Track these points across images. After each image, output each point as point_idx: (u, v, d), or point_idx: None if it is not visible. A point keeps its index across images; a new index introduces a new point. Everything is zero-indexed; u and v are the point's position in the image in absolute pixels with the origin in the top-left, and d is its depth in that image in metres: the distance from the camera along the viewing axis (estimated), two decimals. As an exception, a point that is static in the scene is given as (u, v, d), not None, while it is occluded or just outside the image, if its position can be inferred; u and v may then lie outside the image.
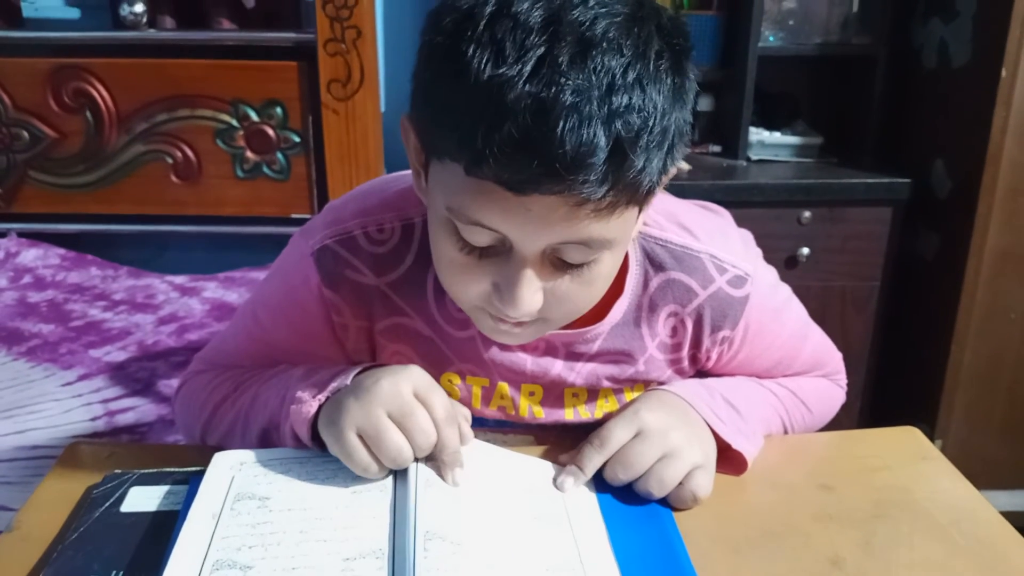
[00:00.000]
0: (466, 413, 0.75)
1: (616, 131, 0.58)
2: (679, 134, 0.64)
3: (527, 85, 0.57)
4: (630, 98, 0.59)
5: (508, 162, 0.58)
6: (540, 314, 0.70)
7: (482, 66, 0.58)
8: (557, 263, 0.67)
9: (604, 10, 0.59)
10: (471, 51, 0.58)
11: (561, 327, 0.78)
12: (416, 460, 0.71)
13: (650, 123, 0.60)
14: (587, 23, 0.59)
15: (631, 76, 0.59)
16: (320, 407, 0.74)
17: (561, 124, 0.57)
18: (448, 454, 0.71)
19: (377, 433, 0.69)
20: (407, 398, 0.70)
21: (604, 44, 0.58)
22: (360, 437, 0.69)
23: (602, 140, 0.58)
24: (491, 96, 0.57)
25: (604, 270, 0.70)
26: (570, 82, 0.57)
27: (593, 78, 0.57)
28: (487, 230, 0.64)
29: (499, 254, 0.67)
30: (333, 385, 0.74)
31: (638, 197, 0.64)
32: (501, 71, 0.57)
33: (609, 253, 0.68)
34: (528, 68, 0.57)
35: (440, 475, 0.71)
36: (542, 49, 0.57)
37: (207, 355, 0.94)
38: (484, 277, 0.68)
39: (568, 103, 0.57)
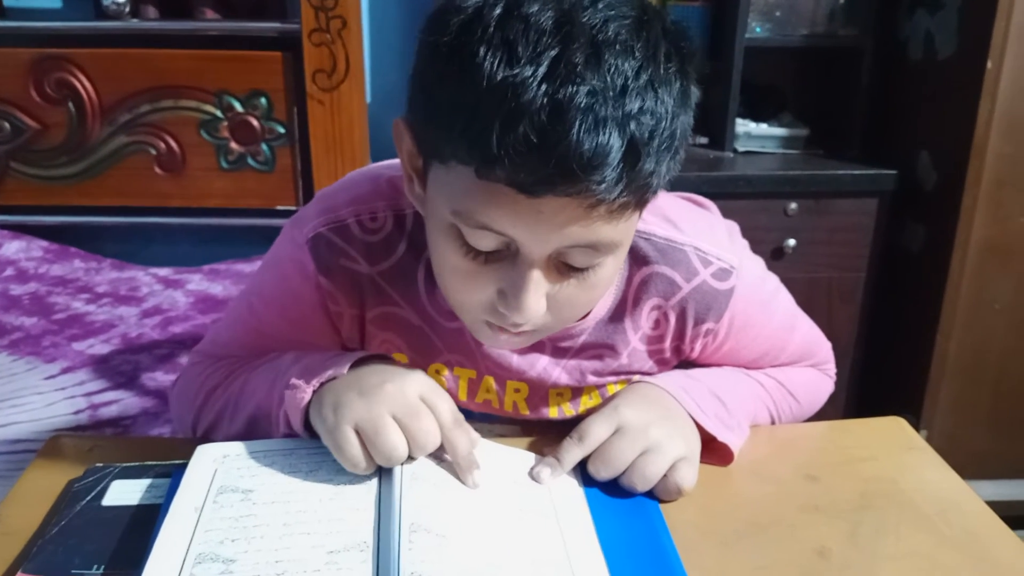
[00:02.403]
0: (471, 429, 0.74)
1: (630, 132, 0.58)
2: (683, 137, 0.64)
3: (542, 86, 0.56)
4: (643, 100, 0.59)
5: (523, 163, 0.58)
6: (542, 320, 0.70)
7: (494, 67, 0.57)
8: (562, 267, 0.67)
9: (613, 12, 0.59)
10: (482, 52, 0.58)
11: None
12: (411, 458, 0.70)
13: (662, 125, 0.60)
14: (598, 25, 0.58)
15: (643, 78, 0.59)
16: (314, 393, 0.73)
17: (577, 125, 0.56)
18: (462, 458, 0.70)
19: (376, 430, 0.67)
20: (412, 400, 0.69)
21: (617, 46, 0.58)
22: (357, 433, 0.68)
23: (617, 141, 0.58)
24: (505, 97, 0.57)
25: (607, 274, 0.69)
26: (585, 83, 0.57)
27: (607, 79, 0.57)
28: (495, 234, 0.63)
29: (504, 259, 0.66)
30: (329, 372, 0.73)
31: (646, 199, 0.65)
32: (515, 72, 0.57)
33: (612, 256, 0.68)
34: (542, 69, 0.57)
35: (458, 477, 0.71)
36: (556, 50, 0.57)
37: (203, 348, 0.93)
38: (489, 284, 0.68)
39: (583, 104, 0.56)
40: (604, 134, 0.57)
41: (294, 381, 0.73)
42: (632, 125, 0.58)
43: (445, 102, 0.61)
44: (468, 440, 0.71)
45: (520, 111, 0.57)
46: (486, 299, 0.69)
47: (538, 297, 0.66)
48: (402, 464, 0.69)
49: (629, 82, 0.58)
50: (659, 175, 0.62)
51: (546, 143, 0.57)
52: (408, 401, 0.69)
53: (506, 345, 0.75)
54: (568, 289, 0.68)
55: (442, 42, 0.61)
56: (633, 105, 0.58)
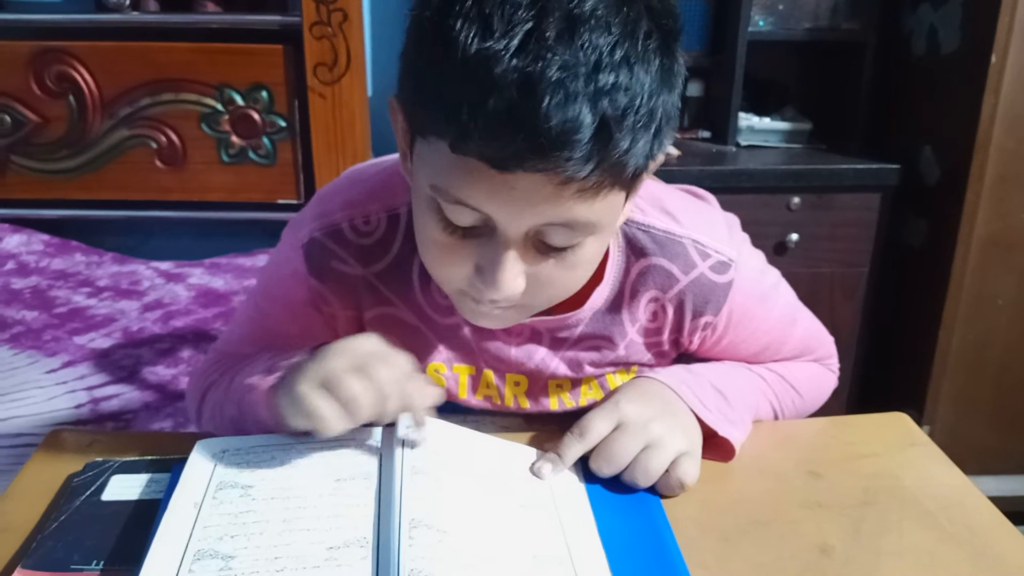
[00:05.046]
0: (429, 381, 0.72)
1: (602, 109, 0.57)
2: (667, 118, 0.63)
3: (513, 60, 0.56)
4: (617, 76, 0.58)
5: (493, 138, 0.58)
6: (522, 299, 0.69)
7: (469, 40, 0.57)
8: (540, 246, 0.67)
9: None
10: (458, 25, 0.58)
11: (543, 314, 0.77)
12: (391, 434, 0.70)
13: (636, 103, 0.59)
14: (576, 0, 0.58)
15: (618, 54, 0.58)
16: (275, 387, 0.72)
17: (547, 100, 0.56)
18: (416, 412, 0.69)
19: (334, 380, 0.66)
20: (365, 352, 0.68)
21: (592, 21, 0.57)
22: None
23: (588, 117, 0.57)
24: (477, 70, 0.57)
25: (588, 255, 0.69)
26: (557, 58, 0.56)
27: (580, 55, 0.57)
28: (471, 210, 0.63)
29: (482, 235, 0.66)
30: (284, 364, 0.72)
31: (623, 179, 0.64)
32: (488, 45, 0.56)
33: (594, 237, 0.67)
34: (515, 43, 0.56)
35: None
36: (529, 24, 0.56)
37: (218, 345, 0.94)
38: (467, 259, 0.68)
39: (554, 79, 0.56)
40: (574, 109, 0.56)
41: (249, 381, 0.73)
42: (604, 101, 0.57)
43: (424, 76, 0.62)
44: (423, 391, 0.69)
45: (491, 85, 0.56)
46: (465, 274, 0.69)
47: (514, 275, 0.66)
48: (400, 451, 0.69)
49: (603, 58, 0.57)
50: (635, 154, 0.61)
51: (515, 117, 0.56)
52: (360, 353, 0.68)
53: (489, 322, 0.75)
54: (547, 268, 0.68)
55: (425, 16, 0.61)
56: (606, 81, 0.57)
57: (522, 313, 0.74)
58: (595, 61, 0.57)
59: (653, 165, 0.68)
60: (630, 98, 0.59)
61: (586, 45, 0.57)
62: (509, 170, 0.59)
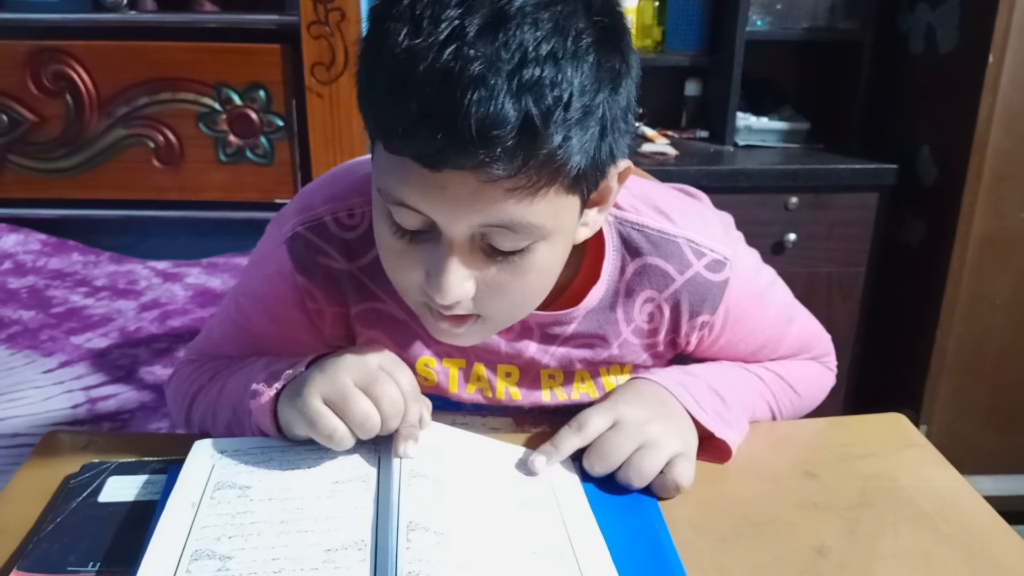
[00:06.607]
0: (428, 403, 0.73)
1: (526, 105, 0.57)
2: (613, 118, 0.62)
3: (436, 56, 0.56)
4: (542, 72, 0.57)
5: (417, 135, 0.58)
6: (476, 308, 0.69)
7: (399, 40, 0.58)
8: (488, 250, 0.66)
9: None
10: (391, 27, 0.59)
11: (537, 309, 0.77)
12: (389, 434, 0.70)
13: (564, 98, 0.58)
14: None
15: (544, 50, 0.57)
16: (278, 395, 0.73)
17: (467, 96, 0.56)
18: (405, 427, 0.70)
19: (343, 398, 0.67)
20: (373, 367, 0.69)
21: (519, 17, 0.57)
22: (327, 406, 0.68)
23: (510, 114, 0.56)
24: (403, 69, 0.57)
25: (539, 261, 0.67)
26: (479, 54, 0.56)
27: (502, 52, 0.56)
28: (413, 212, 0.63)
29: (429, 239, 0.66)
30: (288, 372, 0.73)
31: (564, 181, 0.62)
32: (414, 43, 0.57)
33: (545, 243, 0.66)
34: (439, 40, 0.56)
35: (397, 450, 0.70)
36: (456, 22, 0.57)
37: (197, 344, 0.94)
38: (418, 264, 0.67)
39: (475, 75, 0.56)
40: (495, 105, 0.56)
41: (255, 387, 0.73)
42: (528, 98, 0.57)
43: (363, 77, 0.63)
44: (419, 411, 0.71)
45: (413, 83, 0.57)
46: (417, 280, 0.68)
47: (460, 278, 0.65)
48: (399, 460, 0.69)
49: (528, 54, 0.57)
50: (570, 152, 0.60)
51: (437, 114, 0.57)
52: (368, 369, 0.69)
53: (453, 339, 0.74)
54: (496, 274, 0.67)
55: (371, 20, 0.62)
56: (531, 76, 0.57)
57: (483, 330, 0.73)
58: (520, 57, 0.57)
59: (613, 170, 0.67)
60: (557, 94, 0.58)
61: (511, 41, 0.57)
62: (438, 168, 0.59)
